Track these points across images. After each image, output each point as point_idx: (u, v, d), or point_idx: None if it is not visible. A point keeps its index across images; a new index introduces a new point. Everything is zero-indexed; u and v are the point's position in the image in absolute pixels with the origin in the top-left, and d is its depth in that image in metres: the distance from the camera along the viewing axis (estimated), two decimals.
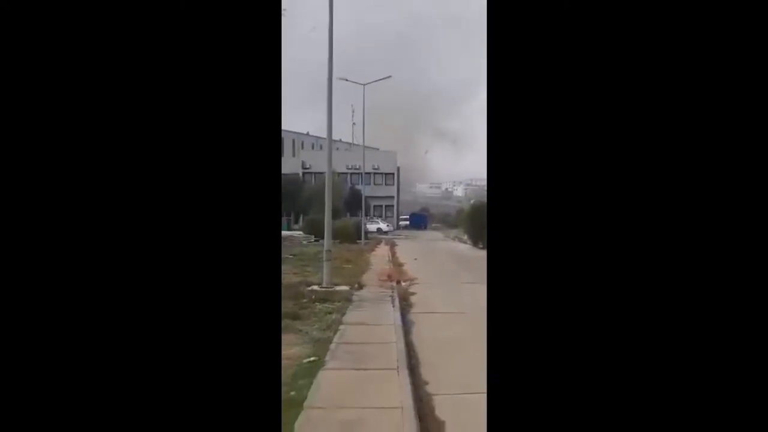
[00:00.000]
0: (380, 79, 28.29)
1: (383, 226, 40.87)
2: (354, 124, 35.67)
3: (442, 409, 4.33)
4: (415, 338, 6.72)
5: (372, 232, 33.33)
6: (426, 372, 5.31)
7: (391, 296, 9.55)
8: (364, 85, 27.40)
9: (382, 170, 48.00)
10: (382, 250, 21.89)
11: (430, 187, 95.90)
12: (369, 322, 7.37)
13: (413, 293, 10.41)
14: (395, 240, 30.23)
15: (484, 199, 38.53)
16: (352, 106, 33.29)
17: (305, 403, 4.13)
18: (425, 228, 49.50)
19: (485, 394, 5.16)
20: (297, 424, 3.72)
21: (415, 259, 17.86)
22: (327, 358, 5.47)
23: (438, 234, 40.13)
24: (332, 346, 5.97)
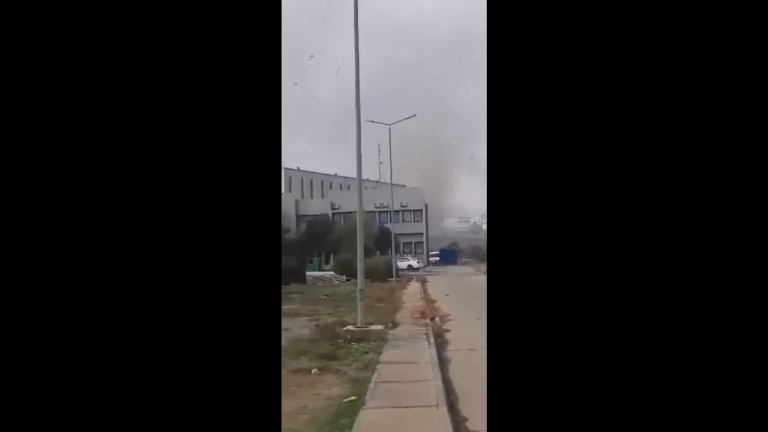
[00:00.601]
0: (405, 119, 28.83)
1: (413, 262, 40.88)
2: (381, 162, 36.21)
3: None
4: (452, 375, 6.77)
5: (403, 269, 33.36)
6: (465, 408, 5.36)
7: (426, 334, 9.61)
8: (389, 125, 27.93)
9: (409, 207, 48.31)
10: (414, 287, 21.91)
11: (459, 221, 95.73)
12: (405, 360, 7.44)
13: (447, 330, 10.45)
14: (426, 276, 30.21)
15: None
16: (378, 145, 33.88)
17: None
18: (455, 263, 49.33)
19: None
20: None
21: (447, 295, 17.84)
22: (367, 397, 5.56)
23: (469, 269, 39.95)
24: (371, 385, 6.07)
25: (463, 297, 17.71)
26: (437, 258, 51.46)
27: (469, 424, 4.88)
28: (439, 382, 6.10)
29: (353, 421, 4.75)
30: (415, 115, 30.07)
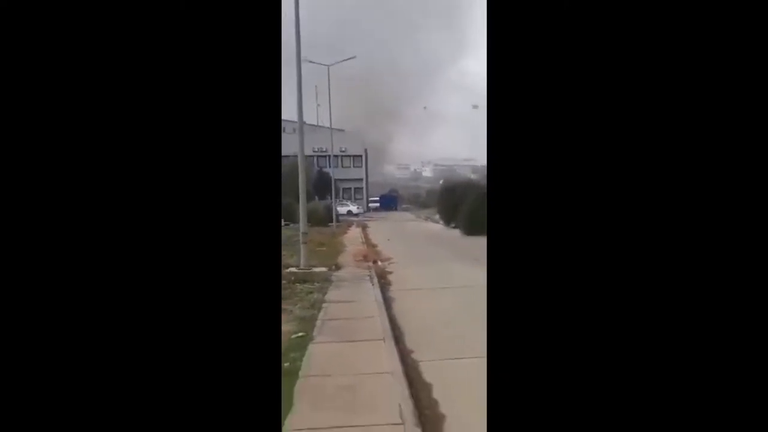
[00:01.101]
0: (345, 59, 28.31)
1: (353, 208, 41.11)
2: (318, 105, 35.56)
3: (428, 373, 4.64)
4: (397, 312, 7.02)
5: (342, 215, 33.53)
6: (409, 341, 5.62)
7: (369, 275, 9.84)
8: (328, 66, 27.37)
9: (349, 152, 48.14)
10: (354, 233, 22.14)
11: (399, 168, 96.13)
12: (350, 299, 7.64)
13: (390, 272, 10.73)
14: (366, 222, 30.52)
15: (454, 178, 39.01)
16: (316, 86, 33.18)
17: (300, 373, 4.39)
18: (396, 209, 49.93)
19: (466, 359, 5.54)
20: (296, 390, 3.98)
21: (389, 239, 18.17)
22: (314, 333, 5.72)
23: (409, 215, 40.55)
24: (318, 322, 6.23)
25: (404, 242, 18.09)
26: (377, 204, 51.88)
27: (414, 356, 5.13)
28: (385, 319, 6.33)
29: (303, 355, 4.90)
30: (355, 57, 29.54)
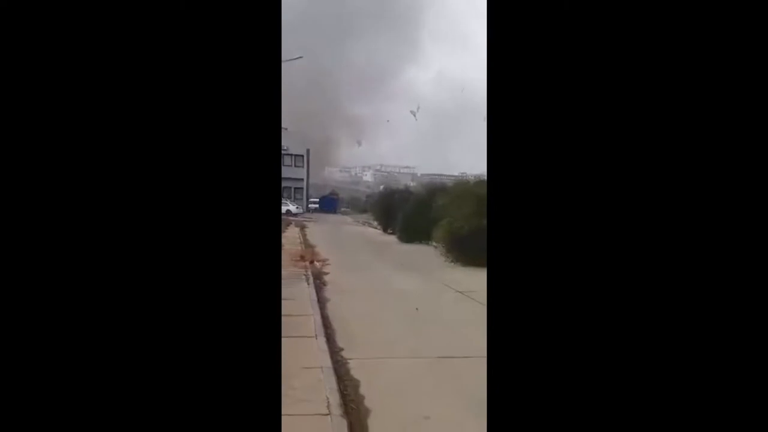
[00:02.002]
0: (292, 59, 28.31)
1: (292, 208, 40.90)
2: None
3: (356, 370, 4.90)
4: (330, 312, 7.24)
5: (281, 214, 33.26)
6: (341, 340, 5.85)
7: (305, 275, 10.01)
8: None
9: (291, 151, 47.87)
10: (293, 232, 22.14)
11: (340, 171, 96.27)
12: (286, 297, 7.77)
13: (326, 273, 10.93)
14: (305, 222, 30.47)
15: (393, 184, 39.49)
16: None
17: None
18: (335, 211, 49.99)
19: (394, 359, 5.82)
20: None
21: (326, 241, 18.33)
22: None
23: (348, 218, 40.78)
24: None
25: (342, 244, 18.30)
26: (317, 205, 51.81)
27: (343, 353, 5.37)
28: (318, 317, 6.54)
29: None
30: (301, 57, 29.60)
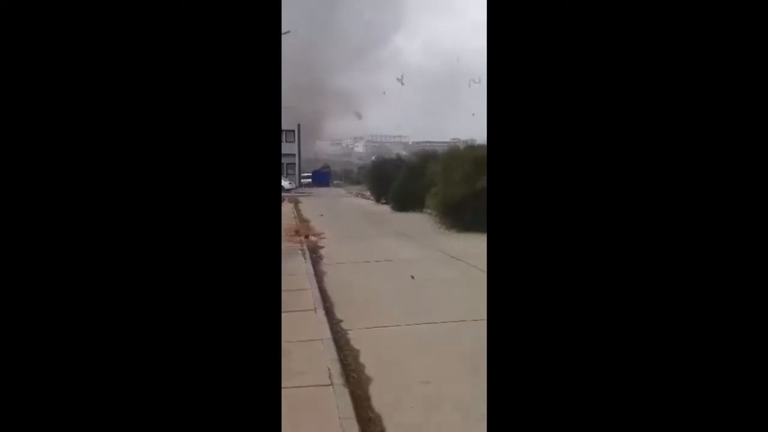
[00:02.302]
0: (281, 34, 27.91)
1: (286, 183, 40.83)
2: None
3: (355, 340, 4.99)
4: (327, 285, 7.32)
5: None
6: (339, 312, 5.94)
7: (302, 249, 10.08)
8: None
9: (282, 127, 47.50)
10: (287, 208, 22.15)
11: (331, 144, 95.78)
12: (284, 272, 7.85)
13: (322, 246, 11.00)
14: (298, 197, 30.51)
15: (385, 155, 39.45)
16: None
17: None
18: (328, 185, 49.99)
19: (391, 327, 5.93)
20: None
21: (321, 215, 18.38)
22: None
23: (341, 191, 40.78)
24: None
25: (336, 217, 18.35)
26: (309, 180, 51.74)
27: (342, 324, 5.46)
28: (316, 291, 6.62)
29: None
30: (289, 31, 29.21)
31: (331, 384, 3.75)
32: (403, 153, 40.22)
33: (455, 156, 14.51)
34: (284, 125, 47.21)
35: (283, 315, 5.48)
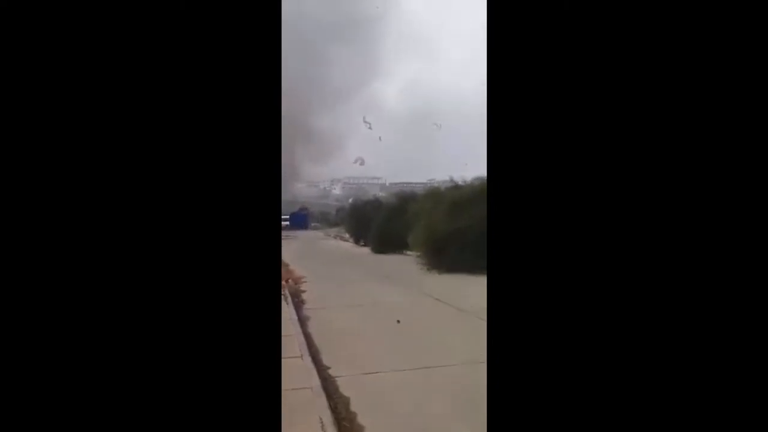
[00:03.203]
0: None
1: None
2: None
3: (345, 387, 4.86)
4: (312, 330, 7.18)
5: None
6: (326, 358, 5.80)
7: (283, 294, 9.91)
8: None
9: None
10: None
11: (308, 186, 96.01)
12: None
13: (303, 291, 10.84)
14: None
15: (362, 196, 39.66)
16: None
17: None
18: (306, 227, 49.84)
19: (381, 373, 5.80)
20: None
21: (300, 258, 18.21)
22: None
23: (319, 233, 40.70)
24: None
25: (315, 260, 18.21)
26: (287, 222, 51.47)
27: (330, 371, 5.33)
28: (301, 337, 6.47)
29: None
30: None
31: None
32: (381, 194, 40.46)
33: (435, 196, 14.61)
34: None
35: None
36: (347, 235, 27.93)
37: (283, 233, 41.35)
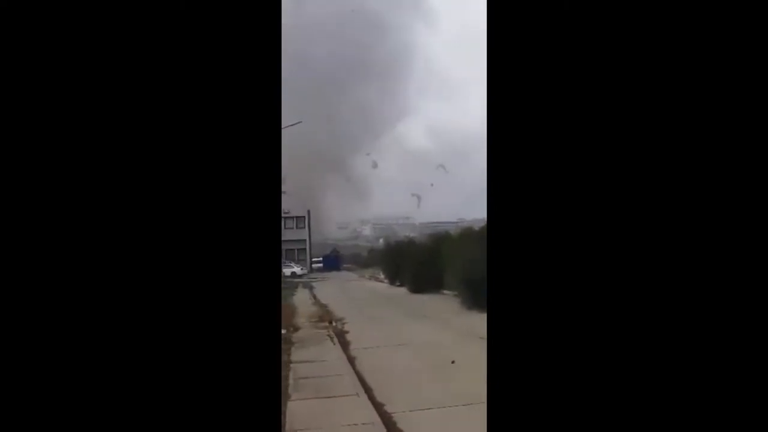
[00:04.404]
0: (291, 125, 29.07)
1: (297, 269, 41.03)
2: None
3: (402, 423, 5.06)
4: (362, 369, 7.39)
5: (287, 277, 33.47)
6: (380, 396, 6.00)
7: (329, 335, 10.17)
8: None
9: (292, 214, 48.47)
10: (303, 294, 22.24)
11: (339, 228, 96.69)
12: (315, 359, 7.96)
13: (346, 331, 11.07)
14: (311, 283, 30.57)
15: (393, 237, 39.84)
16: None
17: (286, 428, 4.72)
18: (339, 269, 50.17)
19: (434, 409, 6.00)
20: None
21: (338, 299, 18.46)
22: (290, 390, 6.03)
23: (352, 274, 40.91)
24: (290, 381, 6.52)
25: (352, 301, 18.42)
26: (320, 264, 51.96)
27: (386, 408, 5.53)
28: (353, 376, 6.70)
29: (282, 412, 5.21)
30: (301, 122, 30.47)
31: None
32: (412, 235, 40.68)
33: (469, 235, 14.79)
34: (294, 212, 48.17)
35: (328, 400, 5.60)
36: (382, 276, 28.08)
37: (318, 275, 41.74)
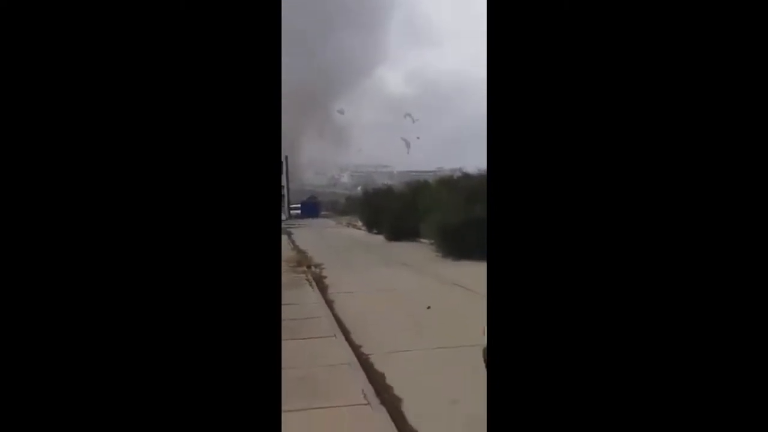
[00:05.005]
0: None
1: None
2: None
3: (378, 364, 5.24)
4: (339, 312, 7.57)
5: None
6: (357, 338, 6.19)
7: (307, 279, 10.32)
8: None
9: None
10: (281, 239, 22.36)
11: (317, 175, 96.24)
12: (295, 302, 8.10)
13: (325, 276, 11.25)
14: (290, 229, 30.67)
15: (371, 185, 39.96)
16: None
17: None
18: (317, 216, 50.25)
19: (411, 351, 6.20)
20: None
21: (316, 245, 18.62)
22: None
23: (330, 221, 41.06)
24: None
25: (330, 247, 18.61)
26: (298, 211, 51.97)
27: (363, 349, 5.71)
28: (331, 319, 6.86)
29: None
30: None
31: (369, 404, 3.99)
32: (391, 182, 40.74)
33: (447, 185, 14.92)
34: None
35: (305, 341, 5.76)
36: (360, 224, 28.28)
37: (296, 221, 41.79)
